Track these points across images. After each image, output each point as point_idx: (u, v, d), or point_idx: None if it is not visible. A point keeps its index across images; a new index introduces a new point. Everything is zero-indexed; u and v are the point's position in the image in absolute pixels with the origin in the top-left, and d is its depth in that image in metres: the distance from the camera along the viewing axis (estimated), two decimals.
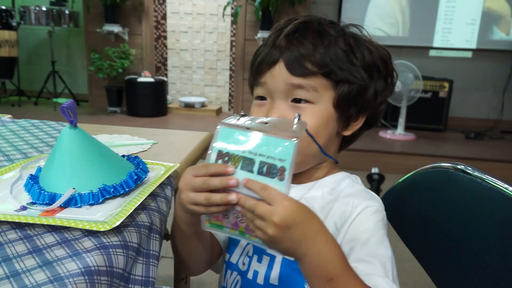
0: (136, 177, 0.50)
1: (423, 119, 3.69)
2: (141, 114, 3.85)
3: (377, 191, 2.30)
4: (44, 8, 3.88)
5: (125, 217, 0.42)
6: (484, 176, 0.54)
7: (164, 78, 4.01)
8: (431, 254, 0.63)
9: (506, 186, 0.51)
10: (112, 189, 0.47)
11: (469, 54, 4.03)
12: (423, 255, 0.66)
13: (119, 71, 3.80)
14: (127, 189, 0.49)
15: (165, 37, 4.29)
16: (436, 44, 4.00)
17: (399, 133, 3.46)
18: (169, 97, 4.23)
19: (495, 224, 0.52)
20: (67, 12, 4.08)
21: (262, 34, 3.69)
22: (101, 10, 3.89)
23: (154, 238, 0.46)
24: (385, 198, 0.74)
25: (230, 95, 4.35)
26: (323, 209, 0.54)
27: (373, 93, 0.56)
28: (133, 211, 0.44)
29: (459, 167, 0.59)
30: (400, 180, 0.71)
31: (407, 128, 3.51)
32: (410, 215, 0.67)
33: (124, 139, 0.77)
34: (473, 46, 3.97)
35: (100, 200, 0.47)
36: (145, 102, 3.84)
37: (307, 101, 0.54)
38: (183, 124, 3.68)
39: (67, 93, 4.32)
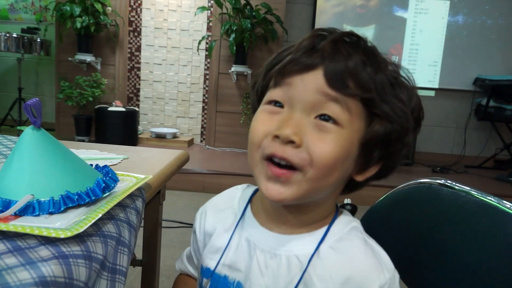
0: (104, 185, 0.45)
1: None
2: (110, 143, 3.73)
3: (353, 212, 2.29)
4: (14, 35, 3.80)
5: (89, 224, 0.37)
6: (469, 189, 0.53)
7: (136, 108, 3.95)
8: (418, 272, 0.61)
9: (491, 197, 0.50)
10: (76, 197, 0.42)
11: (432, 93, 4.23)
12: (409, 273, 0.63)
13: (89, 100, 3.71)
14: (93, 198, 0.44)
15: (138, 68, 4.27)
16: None
17: None
18: (140, 128, 4.15)
19: (485, 236, 0.50)
20: (38, 40, 4.02)
21: (236, 68, 3.74)
22: (74, 39, 3.85)
23: (122, 251, 0.41)
24: (366, 217, 0.72)
25: (202, 126, 4.33)
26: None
27: (406, 142, 0.46)
28: (99, 220, 0.39)
29: (442, 182, 0.58)
30: (380, 198, 0.69)
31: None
32: (393, 233, 0.65)
33: (92, 154, 0.73)
34: (436, 85, 4.18)
35: (62, 209, 0.41)
36: (115, 131, 3.75)
37: (335, 122, 0.43)
38: None
39: None
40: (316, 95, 0.43)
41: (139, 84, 4.31)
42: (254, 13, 3.65)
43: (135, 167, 0.66)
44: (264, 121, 0.45)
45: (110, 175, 0.49)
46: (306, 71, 0.44)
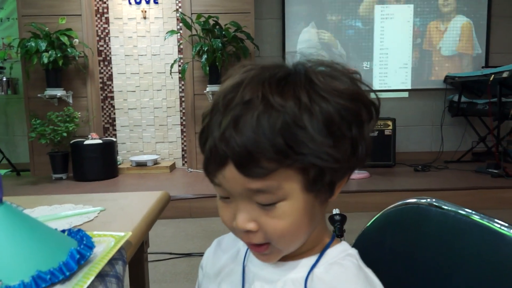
0: (78, 256, 0.42)
1: (373, 156, 3.82)
2: (89, 179, 3.64)
3: (340, 231, 2.27)
4: None
5: None
6: (457, 209, 0.52)
7: (113, 139, 3.88)
8: None
9: (481, 216, 0.49)
10: (49, 276, 0.39)
11: (406, 94, 4.32)
12: None
13: (64, 136, 3.62)
14: (67, 273, 0.40)
15: (112, 98, 4.21)
16: (375, 87, 4.25)
17: (354, 172, 3.53)
18: (119, 158, 4.07)
19: (476, 258, 0.49)
20: (4, 79, 3.92)
21: (211, 88, 3.72)
22: (42, 75, 3.76)
23: None
24: (358, 242, 0.70)
25: (183, 150, 4.28)
26: None
27: (350, 152, 0.43)
28: None
29: (429, 201, 0.57)
30: (370, 222, 0.68)
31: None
32: (386, 257, 0.63)
33: (66, 209, 0.69)
34: (408, 86, 4.28)
35: None
36: (94, 165, 3.66)
37: (274, 203, 0.43)
38: (136, 184, 3.52)
39: (5, 164, 4.03)
40: (243, 191, 0.42)
41: (114, 113, 4.24)
42: (224, 32, 3.67)
43: (113, 221, 0.63)
44: (223, 210, 0.47)
45: (84, 241, 0.45)
46: (222, 167, 0.42)
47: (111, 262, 0.46)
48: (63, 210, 0.68)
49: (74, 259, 0.42)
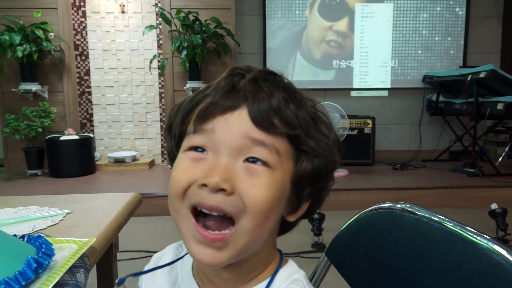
0: (36, 264, 0.40)
1: (352, 155, 3.85)
2: (66, 175, 3.55)
3: (319, 230, 2.29)
4: None
5: None
6: (430, 215, 0.52)
7: (90, 135, 3.79)
8: None
9: (454, 223, 0.49)
10: (3, 286, 0.37)
11: (385, 93, 4.37)
12: None
13: (39, 131, 3.52)
14: (23, 283, 0.38)
15: (89, 93, 4.11)
16: (355, 85, 4.30)
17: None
18: (97, 154, 3.98)
19: (447, 265, 0.49)
20: None
21: (191, 85, 3.68)
22: (17, 69, 3.65)
23: None
24: (332, 245, 0.70)
25: (162, 146, 4.22)
26: None
27: (332, 176, 0.45)
28: None
29: (402, 206, 0.57)
30: (345, 225, 0.67)
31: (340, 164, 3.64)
32: (360, 261, 0.63)
33: (30, 212, 0.66)
34: (388, 85, 4.33)
35: None
36: (70, 161, 3.57)
37: (265, 164, 0.40)
38: (113, 181, 3.45)
39: None
40: (242, 139, 0.40)
41: (92, 109, 4.15)
42: (204, 28, 3.62)
43: (79, 224, 0.61)
44: (186, 169, 0.41)
45: (43, 248, 0.43)
46: (229, 111, 0.41)
47: (72, 270, 0.44)
48: (28, 213, 0.65)
49: (31, 267, 0.39)
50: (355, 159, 3.86)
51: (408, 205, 0.56)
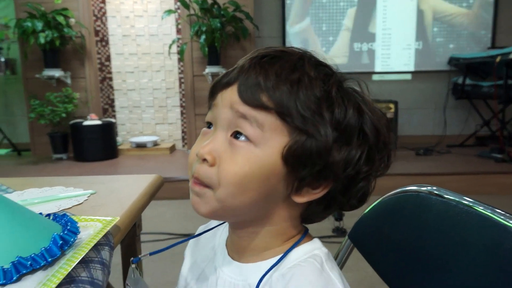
0: (61, 241, 0.40)
1: None
2: (89, 159, 3.64)
3: (339, 215, 2.28)
4: None
5: None
6: (459, 198, 0.50)
7: (112, 120, 3.85)
8: (410, 286, 0.58)
9: (484, 206, 0.47)
10: (30, 262, 0.37)
11: (408, 76, 4.25)
12: (402, 286, 0.60)
13: (63, 116, 3.60)
14: (49, 259, 0.39)
15: (110, 79, 4.16)
16: (377, 69, 4.20)
17: None
18: (119, 139, 4.05)
19: (477, 249, 0.47)
20: (3, 59, 3.87)
21: (210, 69, 3.68)
22: (40, 55, 3.72)
23: None
24: (355, 229, 0.68)
25: (183, 131, 4.26)
26: None
27: (342, 160, 0.43)
28: (56, 287, 0.35)
29: (429, 189, 0.55)
30: (368, 208, 0.66)
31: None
32: (384, 245, 0.61)
33: (56, 192, 0.67)
34: (411, 68, 4.21)
35: (15, 278, 0.36)
36: (93, 146, 3.65)
37: (248, 139, 0.42)
38: (135, 165, 3.51)
39: (6, 143, 4.03)
40: (229, 111, 0.43)
41: (113, 94, 4.20)
42: (222, 12, 3.59)
43: (103, 204, 0.61)
44: (197, 143, 0.47)
45: (69, 226, 0.44)
46: (226, 87, 0.45)
47: (97, 247, 0.44)
48: (53, 193, 0.67)
49: (57, 244, 0.40)
50: None
51: (435, 188, 0.55)
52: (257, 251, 0.48)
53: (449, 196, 0.52)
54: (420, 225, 0.55)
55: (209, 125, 0.47)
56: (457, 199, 0.50)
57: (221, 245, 0.53)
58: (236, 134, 0.43)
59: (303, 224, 0.50)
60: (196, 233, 0.58)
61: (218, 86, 0.46)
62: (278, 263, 0.45)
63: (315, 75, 0.43)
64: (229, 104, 0.43)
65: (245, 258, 0.49)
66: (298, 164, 0.43)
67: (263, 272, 0.45)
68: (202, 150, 0.43)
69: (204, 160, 0.43)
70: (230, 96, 0.44)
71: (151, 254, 0.53)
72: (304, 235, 0.48)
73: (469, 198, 0.50)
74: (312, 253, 0.46)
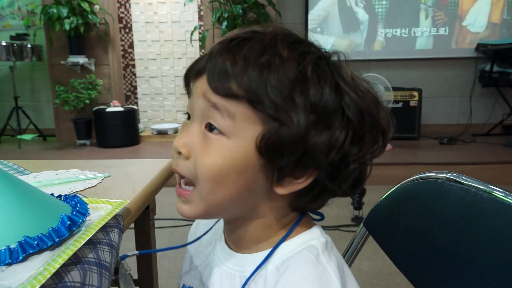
0: (69, 222, 0.41)
1: (397, 128, 3.66)
2: (112, 145, 3.71)
3: (359, 204, 2.25)
4: (4, 43, 3.74)
5: (44, 280, 0.32)
6: (478, 185, 0.48)
7: (134, 107, 3.90)
8: (427, 275, 0.56)
9: (505, 193, 0.44)
10: (37, 242, 0.38)
11: (434, 63, 4.12)
12: (417, 275, 0.59)
13: (86, 103, 3.67)
14: (57, 240, 0.39)
15: (133, 66, 4.21)
16: (401, 55, 4.09)
17: None
18: (140, 126, 4.11)
19: (497, 237, 0.45)
20: (29, 46, 3.96)
21: None
22: (65, 42, 3.79)
23: None
24: (370, 216, 0.67)
25: None
26: None
27: (323, 145, 0.39)
28: (62, 267, 0.35)
29: (448, 176, 0.53)
30: (385, 195, 0.64)
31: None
32: (401, 233, 0.60)
33: (71, 174, 0.68)
34: (437, 55, 4.07)
35: (21, 258, 0.37)
36: (116, 132, 3.71)
37: (220, 132, 0.40)
38: (156, 152, 3.56)
39: (32, 129, 4.15)
40: (202, 100, 0.42)
41: (136, 82, 4.25)
42: None
43: (116, 187, 0.62)
44: (177, 135, 0.45)
45: (78, 207, 0.44)
46: (197, 77, 0.43)
47: (106, 229, 0.45)
48: (69, 175, 0.68)
49: (65, 225, 0.40)
50: (399, 133, 3.71)
51: (454, 174, 0.52)
52: (251, 243, 0.46)
53: (468, 183, 0.49)
54: (437, 212, 0.53)
55: (188, 115, 0.45)
56: (476, 185, 0.48)
57: (220, 229, 0.53)
58: (211, 126, 0.41)
59: (303, 211, 0.47)
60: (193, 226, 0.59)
61: (191, 74, 0.44)
62: (266, 260, 0.43)
63: (288, 56, 0.40)
64: (201, 93, 0.42)
65: (241, 249, 0.48)
66: (274, 155, 0.40)
67: (258, 264, 0.44)
68: (177, 143, 0.42)
69: (180, 153, 0.42)
70: (201, 85, 0.42)
71: (140, 253, 0.54)
72: (296, 225, 0.45)
73: (490, 184, 0.48)
74: (308, 244, 0.43)
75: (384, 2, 4.04)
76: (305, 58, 0.41)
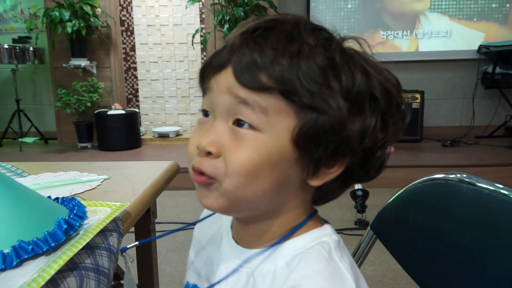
0: (66, 226, 0.39)
1: None
2: (113, 148, 3.70)
3: (362, 207, 2.23)
4: (6, 46, 3.74)
5: (39, 287, 0.30)
6: (493, 187, 0.46)
7: (136, 110, 3.89)
8: (438, 278, 0.54)
9: None
10: (31, 246, 0.36)
11: (436, 65, 4.10)
12: (428, 280, 0.57)
13: (88, 105, 3.66)
14: (53, 244, 0.37)
15: (135, 68, 4.20)
16: (404, 57, 4.07)
17: None
18: (142, 129, 4.09)
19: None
20: (31, 49, 3.96)
21: None
22: (67, 45, 3.78)
23: None
24: (378, 219, 0.65)
25: None
26: None
27: (357, 132, 0.39)
28: (57, 273, 0.33)
29: (459, 177, 0.51)
30: (392, 198, 0.62)
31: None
32: (408, 235, 0.58)
33: (70, 176, 0.66)
34: (439, 57, 4.05)
35: (14, 263, 0.35)
36: (117, 135, 3.70)
37: (251, 127, 0.39)
38: (157, 155, 3.54)
39: (34, 132, 4.14)
40: (227, 97, 0.39)
41: (137, 84, 4.24)
42: (246, 1, 3.55)
43: (116, 190, 0.60)
44: (195, 133, 0.43)
45: (76, 210, 0.42)
46: (219, 70, 0.40)
47: (104, 233, 0.43)
48: (68, 178, 0.66)
49: (62, 229, 0.39)
50: (402, 135, 3.69)
51: (465, 175, 0.51)
52: (263, 241, 0.44)
53: (481, 184, 0.47)
54: (448, 215, 0.51)
55: (206, 112, 0.43)
56: (490, 187, 0.46)
57: (226, 226, 0.51)
58: (239, 121, 0.39)
59: (316, 204, 0.46)
60: (203, 215, 0.57)
61: (209, 69, 0.41)
62: (272, 247, 0.43)
63: (314, 42, 0.39)
64: (226, 89, 0.39)
65: (250, 243, 0.46)
66: (312, 145, 0.39)
67: (266, 260, 0.42)
68: (204, 142, 0.39)
69: (209, 153, 0.40)
70: (225, 80, 0.39)
71: (140, 242, 0.51)
72: (308, 219, 0.45)
73: (505, 186, 0.46)
74: (320, 239, 0.42)
75: (384, 3, 4.03)
76: (331, 45, 0.40)
